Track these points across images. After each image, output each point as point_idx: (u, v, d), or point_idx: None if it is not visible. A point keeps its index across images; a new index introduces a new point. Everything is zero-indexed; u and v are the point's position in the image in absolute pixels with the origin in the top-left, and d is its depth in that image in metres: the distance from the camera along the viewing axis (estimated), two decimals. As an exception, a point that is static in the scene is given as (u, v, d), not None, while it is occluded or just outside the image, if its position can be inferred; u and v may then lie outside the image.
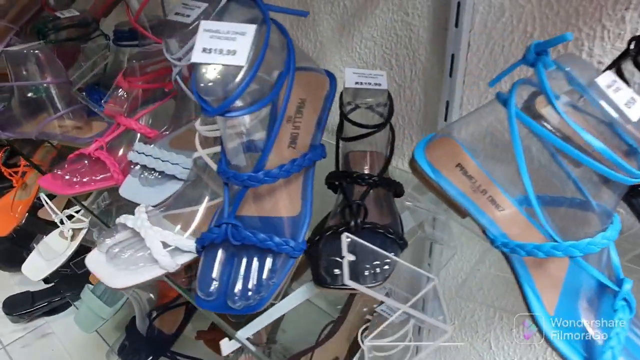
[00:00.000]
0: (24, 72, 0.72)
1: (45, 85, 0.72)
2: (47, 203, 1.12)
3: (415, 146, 0.44)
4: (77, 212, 1.13)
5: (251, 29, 0.37)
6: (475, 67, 0.57)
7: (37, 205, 1.28)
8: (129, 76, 0.69)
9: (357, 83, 0.54)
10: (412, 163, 0.43)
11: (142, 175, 0.63)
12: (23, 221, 1.23)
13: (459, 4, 0.53)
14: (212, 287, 0.44)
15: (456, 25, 0.54)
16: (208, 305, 0.44)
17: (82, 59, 0.99)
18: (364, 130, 0.53)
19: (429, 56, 0.61)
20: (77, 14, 0.92)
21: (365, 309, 0.84)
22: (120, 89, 0.80)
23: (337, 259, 0.48)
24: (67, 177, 0.65)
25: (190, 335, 0.92)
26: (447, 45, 0.56)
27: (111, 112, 0.78)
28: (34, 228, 1.24)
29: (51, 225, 1.23)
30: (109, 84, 0.89)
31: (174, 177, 0.61)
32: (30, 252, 1.25)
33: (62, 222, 1.11)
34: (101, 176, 0.65)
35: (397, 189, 0.56)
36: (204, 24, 0.38)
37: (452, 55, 0.56)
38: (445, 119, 0.61)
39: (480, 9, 0.54)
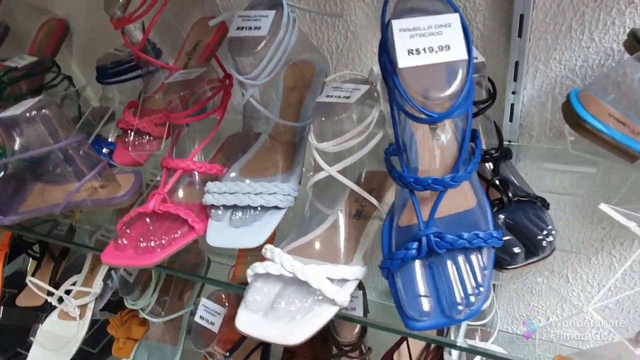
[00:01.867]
0: (26, 140, 0.59)
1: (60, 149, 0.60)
2: (32, 283, 0.95)
3: (574, 107, 0.44)
4: (73, 284, 0.98)
5: (455, 18, 0.33)
6: (541, 23, 0.59)
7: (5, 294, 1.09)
8: (172, 112, 0.60)
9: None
10: (581, 123, 0.43)
11: (233, 217, 0.55)
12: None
13: (526, -37, 0.54)
14: (426, 306, 0.41)
15: (524, -16, 0.55)
16: (426, 325, 0.41)
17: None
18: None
19: (487, 22, 0.61)
20: (34, 59, 0.77)
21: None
22: (130, 131, 0.70)
23: (509, 237, 0.47)
24: (141, 244, 0.55)
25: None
26: (515, 6, 0.57)
27: (136, 159, 0.68)
28: (18, 321, 1.05)
29: (38, 311, 1.05)
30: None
31: (274, 207, 0.55)
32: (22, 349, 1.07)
33: (60, 301, 0.95)
34: (180, 231, 0.56)
35: (509, 154, 0.56)
36: (397, 24, 0.33)
37: (521, 16, 0.57)
38: (515, 79, 0.62)
39: (545, -36, 0.55)
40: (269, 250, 0.49)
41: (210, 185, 0.57)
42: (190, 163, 0.60)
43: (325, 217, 0.54)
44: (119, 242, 0.56)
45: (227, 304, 0.73)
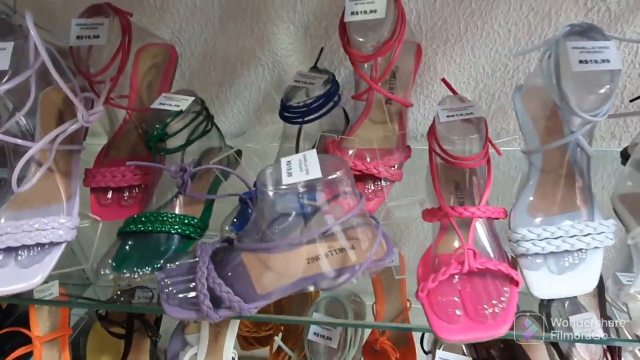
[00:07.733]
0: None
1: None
2: None
3: None
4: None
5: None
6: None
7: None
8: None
9: None
10: None
11: (557, 263, 0.52)
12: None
13: None
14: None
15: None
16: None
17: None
18: None
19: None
20: (191, 98, 0.62)
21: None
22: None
23: None
24: (485, 311, 0.49)
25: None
26: None
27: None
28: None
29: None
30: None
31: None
32: None
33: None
34: (507, 289, 0.51)
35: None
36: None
37: None
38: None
39: None
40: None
41: (524, 232, 0.53)
42: (485, 209, 0.54)
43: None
44: (448, 311, 0.49)
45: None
